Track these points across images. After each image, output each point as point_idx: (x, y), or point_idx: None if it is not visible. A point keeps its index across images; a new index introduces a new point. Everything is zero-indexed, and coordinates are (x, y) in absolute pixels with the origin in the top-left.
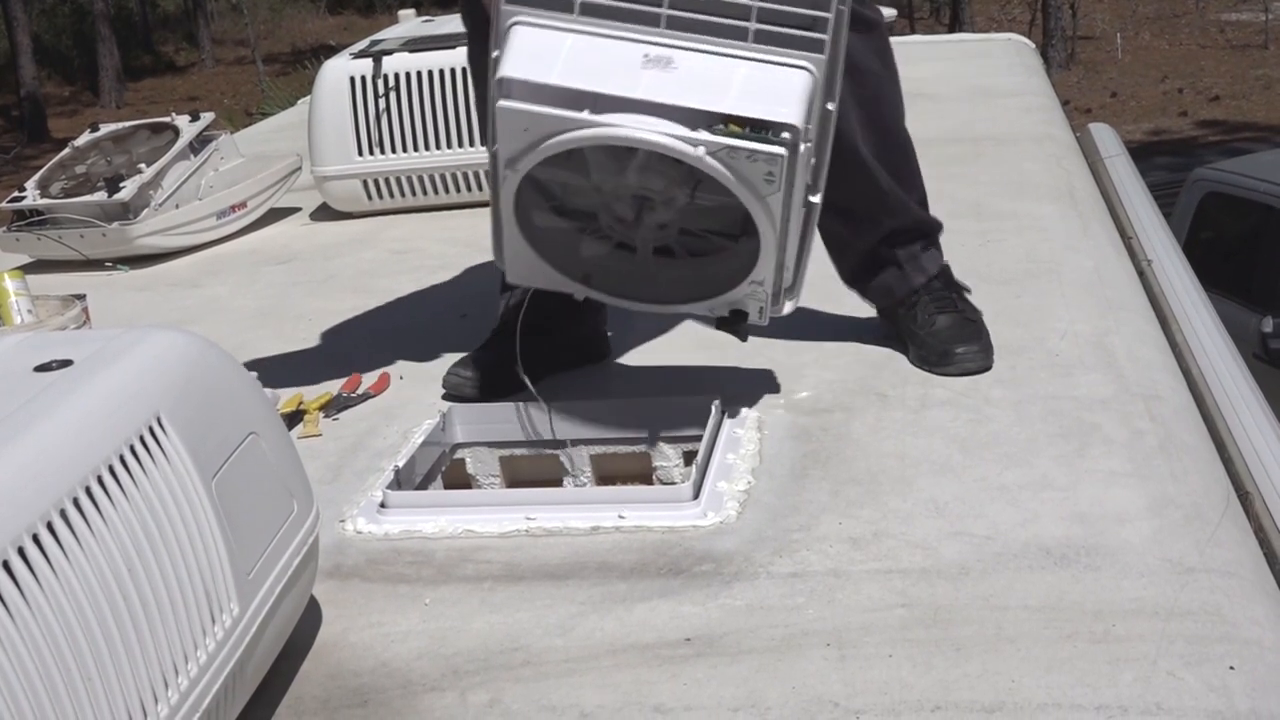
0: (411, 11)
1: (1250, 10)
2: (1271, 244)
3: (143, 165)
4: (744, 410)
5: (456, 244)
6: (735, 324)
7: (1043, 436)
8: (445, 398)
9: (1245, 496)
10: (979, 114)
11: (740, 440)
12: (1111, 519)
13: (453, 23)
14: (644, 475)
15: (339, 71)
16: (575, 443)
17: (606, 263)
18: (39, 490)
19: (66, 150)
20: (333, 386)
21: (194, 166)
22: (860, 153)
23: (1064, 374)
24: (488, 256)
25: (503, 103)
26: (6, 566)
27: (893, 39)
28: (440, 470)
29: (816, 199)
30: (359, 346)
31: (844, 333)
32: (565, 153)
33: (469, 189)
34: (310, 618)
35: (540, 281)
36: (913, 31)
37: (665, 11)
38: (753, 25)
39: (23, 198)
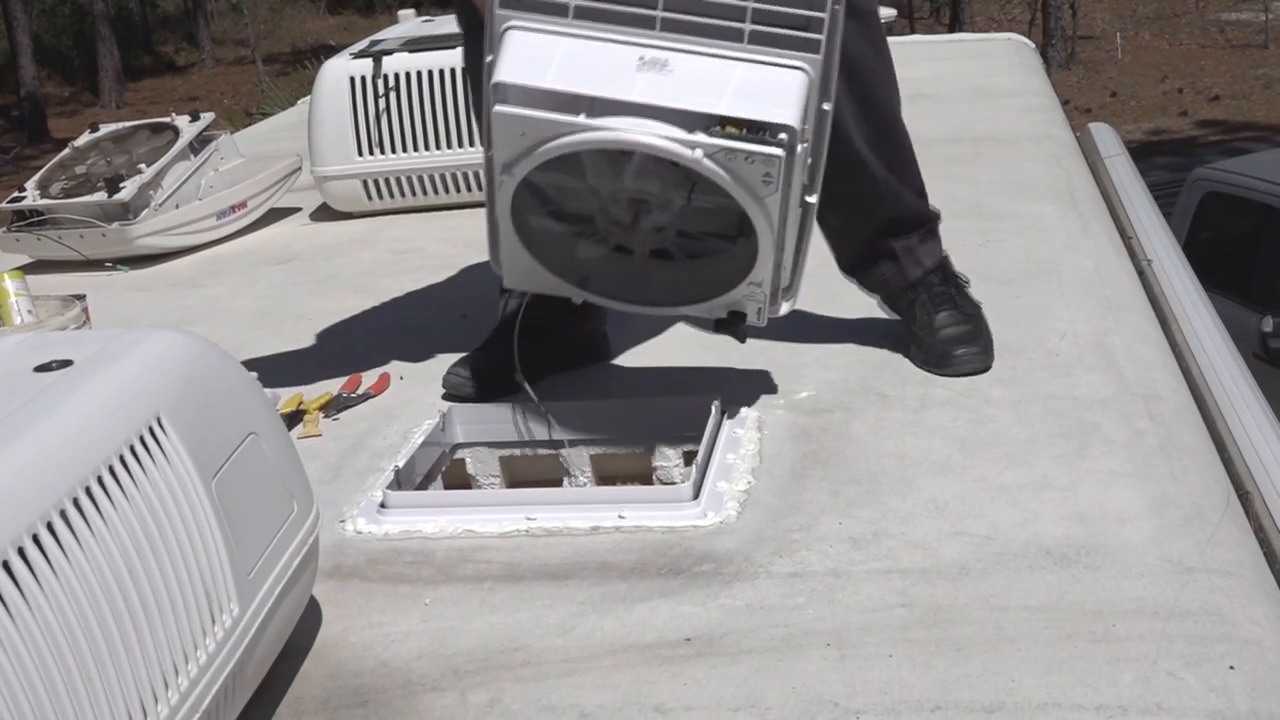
0: (411, 11)
1: (1250, 10)
2: (1271, 244)
3: (143, 165)
4: (744, 410)
5: (456, 244)
6: (733, 326)
7: (1043, 436)
8: (445, 398)
9: (1245, 496)
10: (979, 114)
11: (740, 440)
12: (1111, 519)
13: (452, 23)
14: (644, 475)
15: (339, 71)
16: (574, 443)
17: (603, 266)
18: (39, 490)
19: (66, 150)
20: (333, 386)
21: (194, 167)
22: (853, 142)
23: (1064, 374)
24: (488, 256)
25: (498, 108)
26: (6, 567)
27: (893, 39)
28: (440, 470)
29: (813, 199)
30: (359, 346)
31: (844, 333)
32: (561, 157)
33: (469, 189)
34: (310, 618)
35: (537, 285)
36: (913, 31)
37: (660, 14)
38: (748, 26)
39: (23, 198)
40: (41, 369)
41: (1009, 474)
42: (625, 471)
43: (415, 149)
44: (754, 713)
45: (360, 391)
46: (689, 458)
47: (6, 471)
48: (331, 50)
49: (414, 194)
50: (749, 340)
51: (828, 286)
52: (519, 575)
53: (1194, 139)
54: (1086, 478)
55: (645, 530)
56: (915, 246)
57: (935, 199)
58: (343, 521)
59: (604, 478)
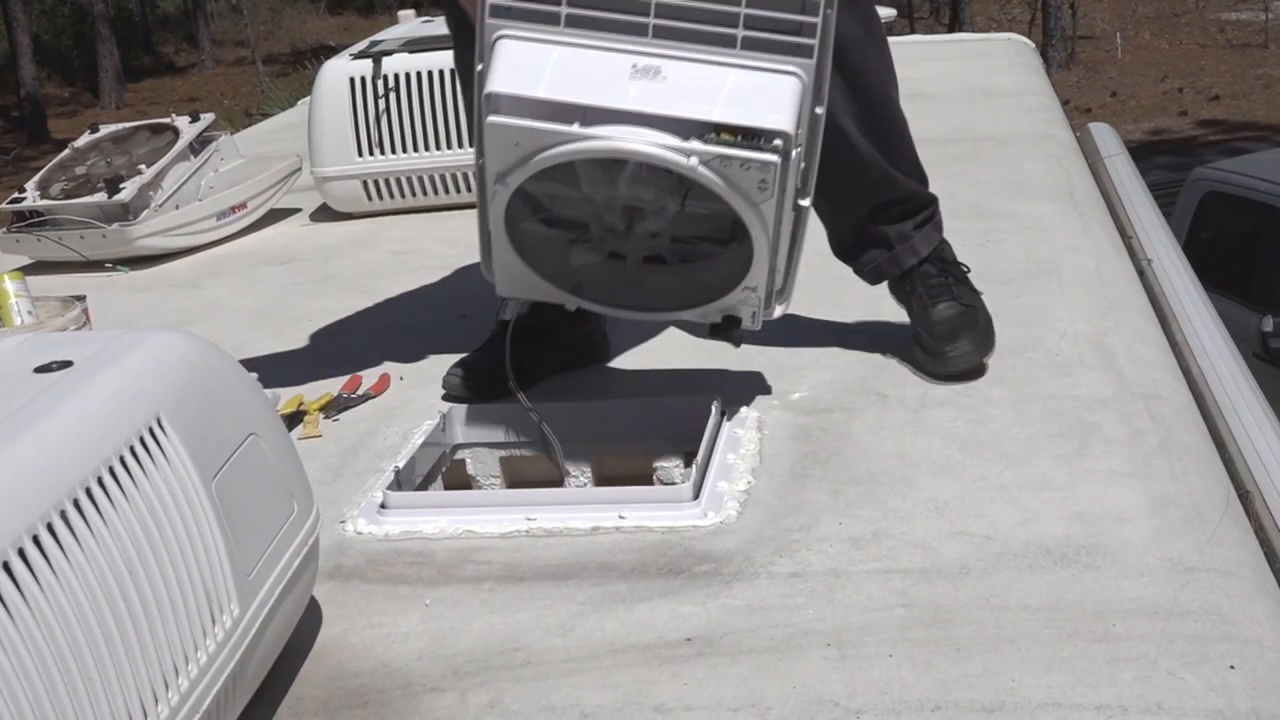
0: (411, 12)
1: (1250, 10)
2: (1271, 244)
3: (143, 166)
4: (744, 410)
5: (456, 244)
6: (728, 330)
7: (1043, 436)
8: (445, 398)
9: (1245, 496)
10: (979, 114)
11: (740, 440)
12: (1111, 519)
13: None
14: (644, 475)
15: (339, 72)
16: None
17: (597, 272)
18: (39, 491)
19: (66, 151)
20: (333, 387)
21: (194, 167)
22: (839, 122)
23: (1064, 374)
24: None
25: (491, 119)
26: (6, 567)
27: (892, 39)
28: (440, 471)
29: (806, 202)
30: (359, 347)
31: (844, 333)
32: (555, 165)
33: (469, 189)
34: (310, 618)
35: (531, 293)
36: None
37: (652, 21)
38: (740, 32)
39: (23, 199)
40: (41, 370)
41: (1009, 474)
42: (625, 471)
43: (415, 149)
44: (754, 713)
45: (360, 392)
46: (689, 458)
47: (6, 472)
48: (331, 51)
49: (414, 194)
50: (749, 341)
51: (827, 287)
52: (519, 576)
53: (1194, 139)
54: (1086, 477)
55: (645, 530)
56: (910, 233)
57: None
58: (343, 522)
59: (604, 478)
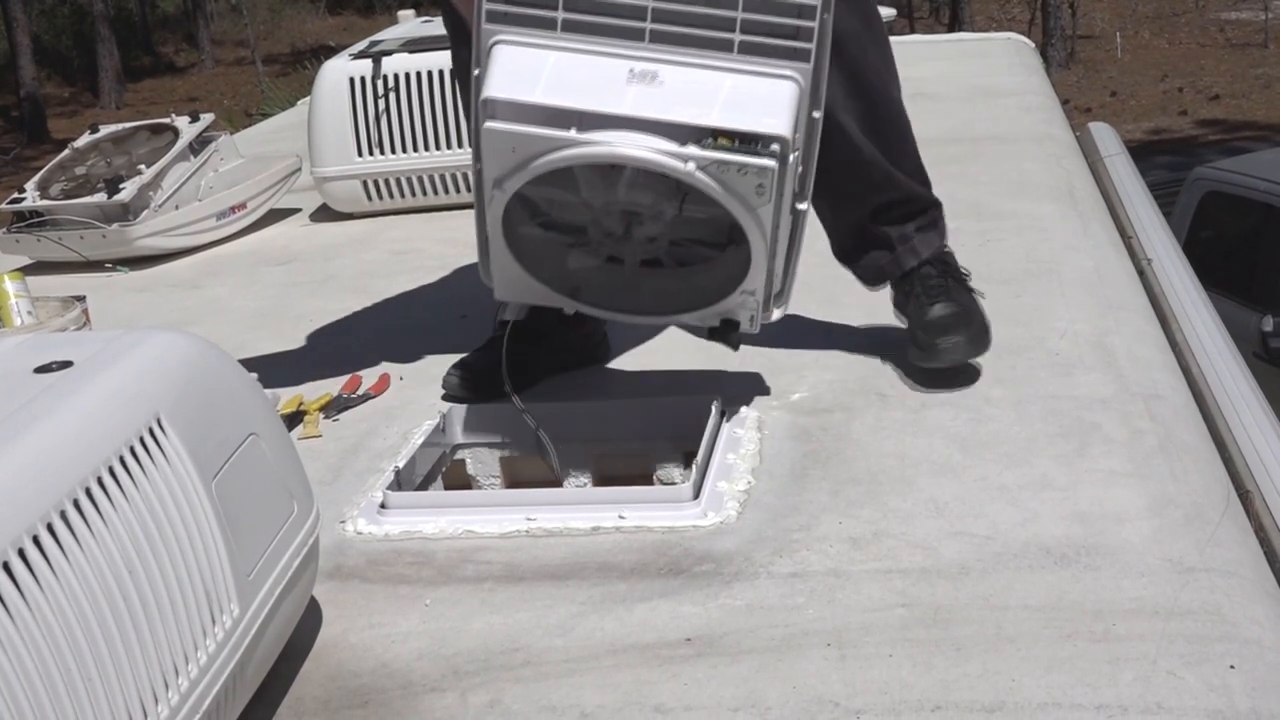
0: (411, 12)
1: (1250, 9)
2: (1271, 243)
3: (142, 166)
4: (744, 410)
5: (456, 244)
6: (726, 334)
7: (1043, 436)
8: (445, 398)
9: (1245, 496)
10: (979, 114)
11: (740, 440)
12: (1111, 519)
13: None
14: (644, 475)
15: (338, 72)
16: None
17: (595, 275)
18: (39, 491)
19: (66, 152)
20: (333, 387)
21: (194, 168)
22: (839, 120)
23: (1064, 374)
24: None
25: (488, 124)
26: (6, 567)
27: (893, 39)
28: (440, 471)
29: (804, 205)
30: (359, 347)
31: (844, 333)
32: (553, 171)
33: (469, 189)
34: (310, 618)
35: (529, 296)
36: (913, 31)
37: (649, 26)
38: (737, 37)
39: (22, 199)
40: (42, 370)
41: (1009, 474)
42: (625, 472)
43: (415, 149)
44: (754, 713)
45: (360, 392)
46: (689, 458)
47: (6, 472)
48: (331, 51)
49: (414, 194)
50: (749, 341)
51: (827, 287)
52: (519, 576)
53: (1194, 139)
54: (1086, 477)
55: (645, 530)
56: (911, 235)
57: None
58: (343, 522)
59: (604, 478)
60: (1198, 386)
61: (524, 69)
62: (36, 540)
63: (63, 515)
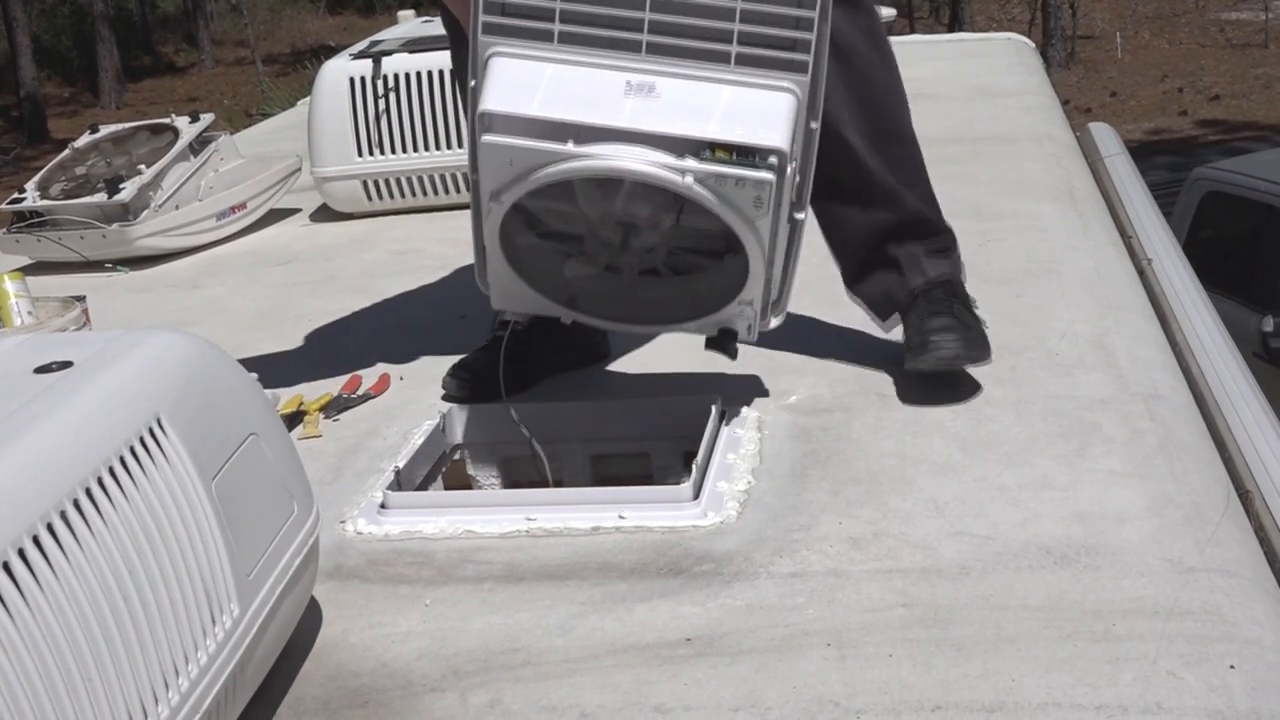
0: (411, 12)
1: (1250, 9)
2: (1271, 244)
3: (142, 166)
4: (744, 410)
5: (456, 244)
6: (724, 343)
7: (1043, 436)
8: (445, 398)
9: (1245, 496)
10: (979, 114)
11: (740, 440)
12: (1111, 519)
13: None
14: (644, 475)
15: (338, 72)
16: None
17: (592, 284)
18: (39, 491)
19: (66, 152)
20: (333, 387)
21: (194, 168)
22: (845, 137)
23: (1064, 374)
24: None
25: (485, 138)
26: (6, 568)
27: (893, 39)
28: (440, 471)
29: (802, 215)
30: (359, 347)
31: (844, 333)
32: (550, 183)
33: (469, 190)
34: (310, 618)
35: (526, 306)
36: (913, 31)
37: (646, 38)
38: (734, 49)
39: (23, 199)
40: (42, 370)
41: (1009, 474)
42: (625, 472)
43: (415, 149)
44: (754, 713)
45: (360, 392)
46: (689, 458)
47: (6, 472)
48: (331, 51)
49: (414, 194)
50: (750, 341)
51: (827, 288)
52: (519, 576)
53: (1194, 139)
54: (1086, 477)
55: (645, 530)
56: (920, 257)
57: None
58: (343, 522)
59: (604, 478)
60: (1198, 386)
61: (521, 82)
62: (36, 540)
63: (63, 515)
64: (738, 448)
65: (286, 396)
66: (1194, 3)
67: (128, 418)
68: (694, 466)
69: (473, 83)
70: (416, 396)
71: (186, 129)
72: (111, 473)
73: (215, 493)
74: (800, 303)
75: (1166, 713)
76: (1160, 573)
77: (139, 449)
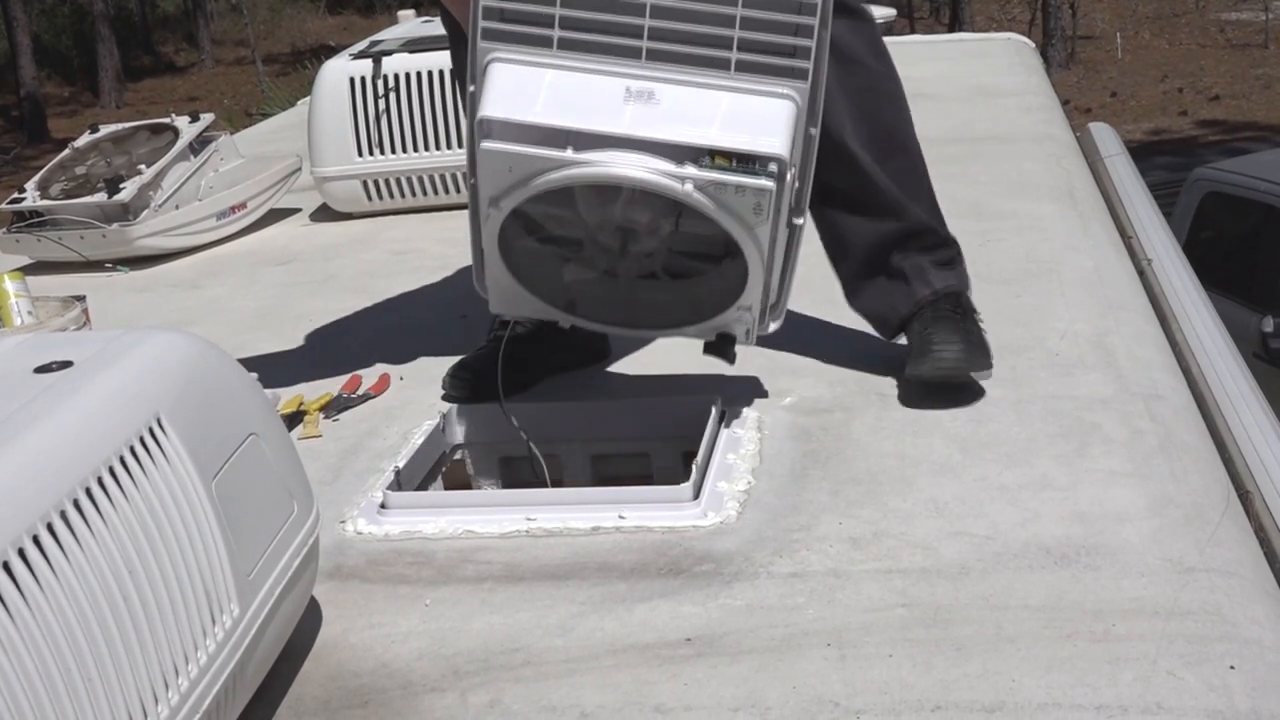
0: (411, 12)
1: (1250, 10)
2: (1271, 244)
3: (142, 166)
4: (744, 410)
5: (456, 244)
6: (723, 348)
7: (1043, 436)
8: (445, 398)
9: (1245, 496)
10: (979, 114)
11: (740, 440)
12: (1111, 519)
13: None
14: (644, 475)
15: (339, 72)
16: (570, 444)
17: (590, 289)
18: (39, 491)
19: (66, 151)
20: (333, 387)
21: (194, 167)
22: (850, 148)
23: (1064, 374)
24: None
25: (485, 145)
26: (6, 567)
27: (893, 39)
28: (440, 471)
29: (800, 220)
30: (359, 347)
31: (844, 333)
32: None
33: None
34: (310, 618)
35: (524, 310)
36: (913, 31)
37: (645, 44)
38: (734, 55)
39: (23, 199)
40: (42, 370)
41: (1009, 474)
42: (625, 472)
43: (415, 149)
44: (754, 713)
45: (360, 392)
46: (689, 458)
47: (6, 472)
48: (331, 50)
49: (414, 194)
50: (749, 341)
51: (827, 287)
52: (519, 576)
53: (1194, 139)
54: (1086, 478)
55: (645, 530)
56: (927, 268)
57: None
58: (343, 522)
59: (604, 478)
60: (1198, 386)
61: (520, 88)
62: (36, 540)
63: (63, 515)
64: (738, 448)
65: (286, 396)
66: (1194, 3)
67: (128, 418)
68: (694, 466)
69: (471, 88)
70: (416, 396)
71: (186, 129)
72: (111, 473)
73: (215, 493)
74: (800, 303)
75: (1166, 713)
76: (1160, 573)
77: (139, 449)
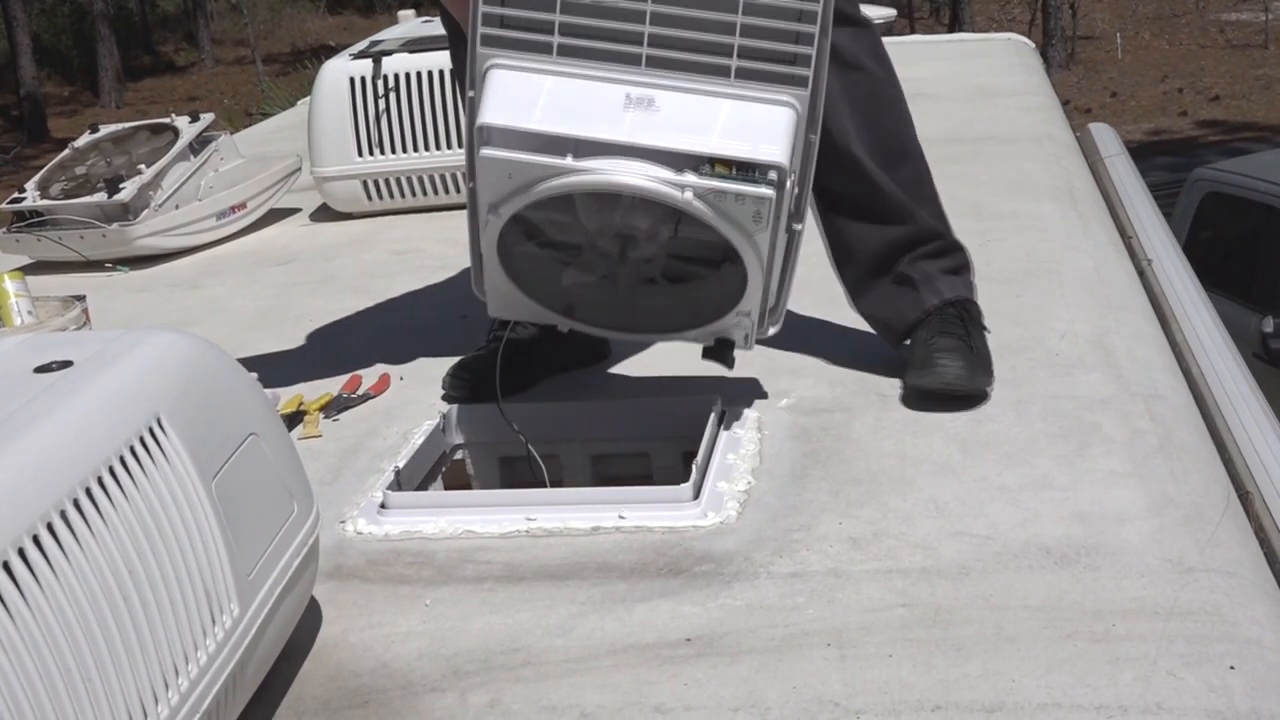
0: (411, 12)
1: (1250, 10)
2: (1271, 244)
3: (142, 166)
4: (744, 410)
5: (456, 244)
6: (721, 353)
7: (1043, 436)
8: (445, 398)
9: (1245, 496)
10: (979, 114)
11: (740, 440)
12: (1111, 519)
13: None
14: (644, 476)
15: (339, 72)
16: (570, 444)
17: (590, 293)
18: (39, 491)
19: (66, 151)
20: (333, 387)
21: (194, 167)
22: (855, 154)
23: (1064, 374)
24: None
25: (484, 152)
26: (6, 567)
27: (893, 39)
28: (440, 471)
29: (799, 226)
30: (359, 347)
31: (844, 333)
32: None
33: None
34: (310, 618)
35: (523, 314)
36: (913, 31)
37: (645, 51)
38: (734, 63)
39: (23, 199)
40: (41, 370)
41: (1009, 474)
42: (625, 472)
43: (415, 149)
44: (754, 713)
45: (360, 392)
46: (689, 458)
47: (6, 472)
48: (331, 50)
49: (414, 194)
50: (748, 346)
51: (827, 287)
52: (519, 576)
53: (1194, 139)
54: (1086, 478)
55: (645, 530)
56: (935, 275)
57: None
58: (343, 522)
59: (604, 478)
60: (1198, 386)
61: (520, 95)
62: (37, 540)
63: (63, 515)
64: (738, 448)
65: (286, 396)
66: (1194, 3)
67: (128, 418)
68: (694, 467)
69: (471, 94)
70: (416, 396)
71: (186, 129)
72: (111, 473)
73: (215, 493)
74: (800, 303)
75: (1166, 713)
76: (1160, 573)
77: (139, 449)
